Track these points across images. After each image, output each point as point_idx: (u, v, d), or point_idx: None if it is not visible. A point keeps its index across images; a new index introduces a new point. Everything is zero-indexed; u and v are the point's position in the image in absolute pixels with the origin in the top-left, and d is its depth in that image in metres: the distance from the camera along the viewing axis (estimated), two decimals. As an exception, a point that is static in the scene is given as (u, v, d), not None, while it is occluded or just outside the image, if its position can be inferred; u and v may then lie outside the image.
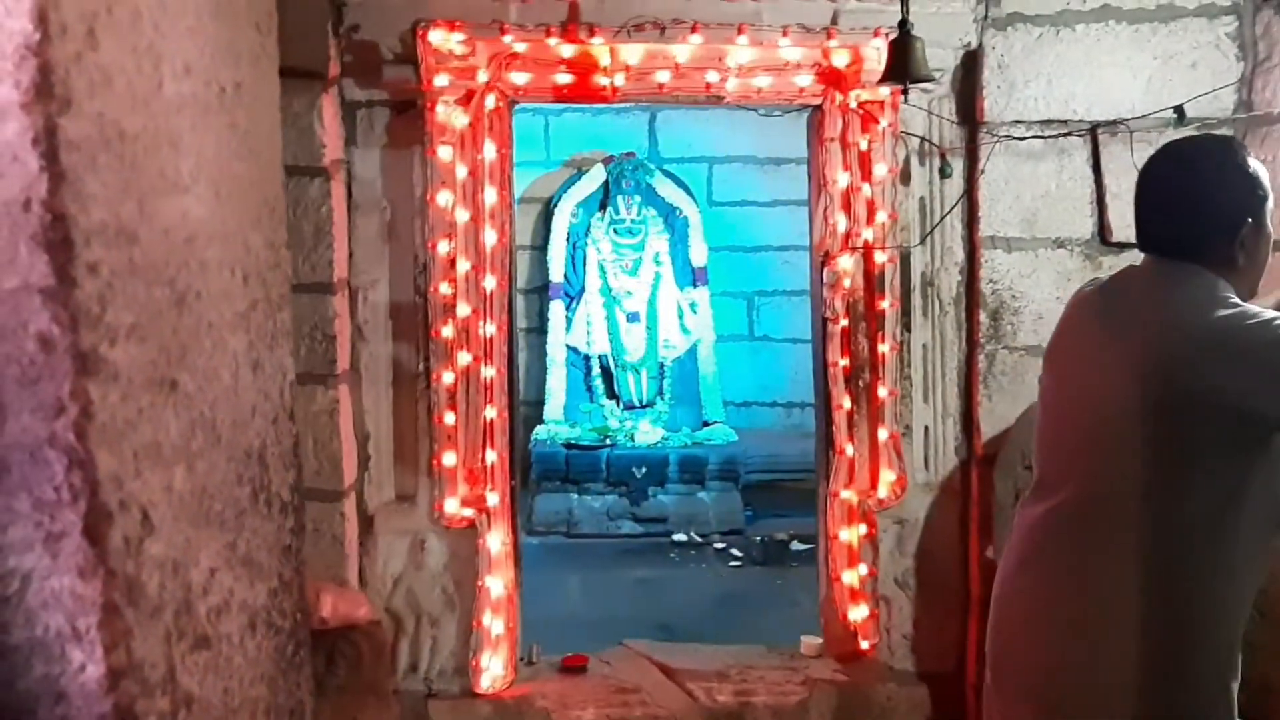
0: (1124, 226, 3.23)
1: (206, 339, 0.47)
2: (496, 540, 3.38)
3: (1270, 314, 1.73)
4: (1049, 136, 3.21)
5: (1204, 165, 1.88)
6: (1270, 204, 1.87)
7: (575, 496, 5.75)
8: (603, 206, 6.30)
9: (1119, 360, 1.82)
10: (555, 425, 6.12)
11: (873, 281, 3.36)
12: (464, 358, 3.31)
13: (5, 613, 0.42)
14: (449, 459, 3.32)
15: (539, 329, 6.48)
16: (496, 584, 3.38)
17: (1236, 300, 1.78)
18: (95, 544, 0.43)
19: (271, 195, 0.58)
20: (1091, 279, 2.12)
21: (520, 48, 3.17)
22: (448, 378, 3.30)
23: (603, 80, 3.26)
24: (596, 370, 6.27)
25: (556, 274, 6.34)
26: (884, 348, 3.36)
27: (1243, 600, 1.80)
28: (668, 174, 6.40)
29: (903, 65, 2.62)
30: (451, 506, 3.33)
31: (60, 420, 0.42)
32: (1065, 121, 3.22)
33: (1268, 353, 1.70)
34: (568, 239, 6.32)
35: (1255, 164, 1.86)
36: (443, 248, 3.26)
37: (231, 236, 0.51)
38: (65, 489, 0.43)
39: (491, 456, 3.37)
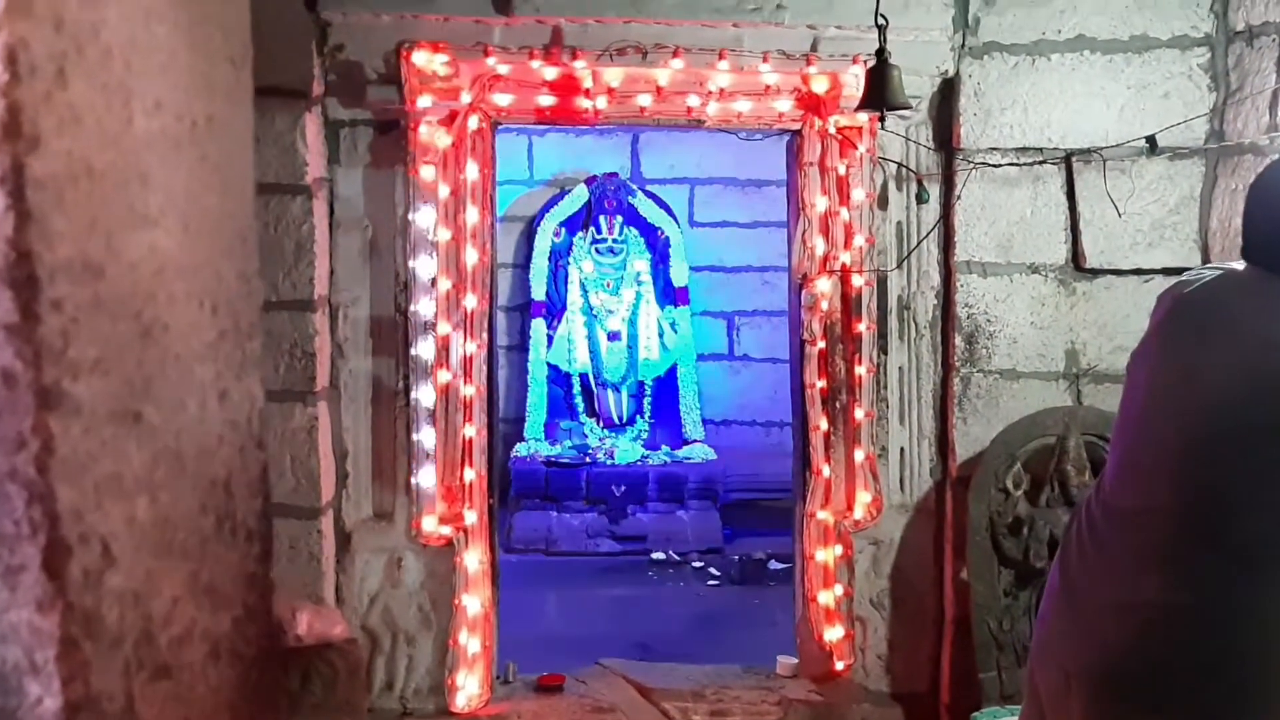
0: (1097, 253, 3.28)
1: (173, 370, 0.49)
2: (474, 559, 3.38)
3: None
4: (1025, 164, 3.26)
5: None
6: None
7: (554, 514, 5.74)
8: (585, 226, 6.32)
9: (1221, 374, 1.76)
10: (535, 442, 6.13)
11: (850, 304, 3.39)
12: (444, 376, 3.32)
13: (-38, 646, 0.43)
14: (427, 477, 3.33)
15: (520, 346, 6.48)
16: (473, 602, 3.38)
17: None
18: (54, 577, 0.44)
19: (243, 225, 0.60)
20: (1180, 280, 2.01)
21: (503, 70, 3.20)
22: (427, 396, 3.31)
23: (585, 103, 3.28)
24: (577, 388, 6.28)
25: (538, 292, 6.36)
26: (861, 370, 3.39)
27: None
28: (650, 194, 6.43)
29: (879, 93, 2.66)
30: (429, 524, 3.33)
31: (21, 455, 0.43)
32: (1040, 149, 3.27)
33: None
34: (550, 257, 6.34)
35: None
36: (424, 266, 3.27)
37: (201, 268, 0.53)
38: (25, 523, 0.44)
39: (470, 475, 3.37)
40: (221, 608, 0.51)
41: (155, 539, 0.49)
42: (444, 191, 3.28)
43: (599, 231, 6.25)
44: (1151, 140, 3.14)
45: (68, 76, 0.44)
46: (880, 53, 2.70)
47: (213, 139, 0.55)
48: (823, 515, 3.44)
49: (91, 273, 0.46)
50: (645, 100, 3.29)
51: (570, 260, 6.31)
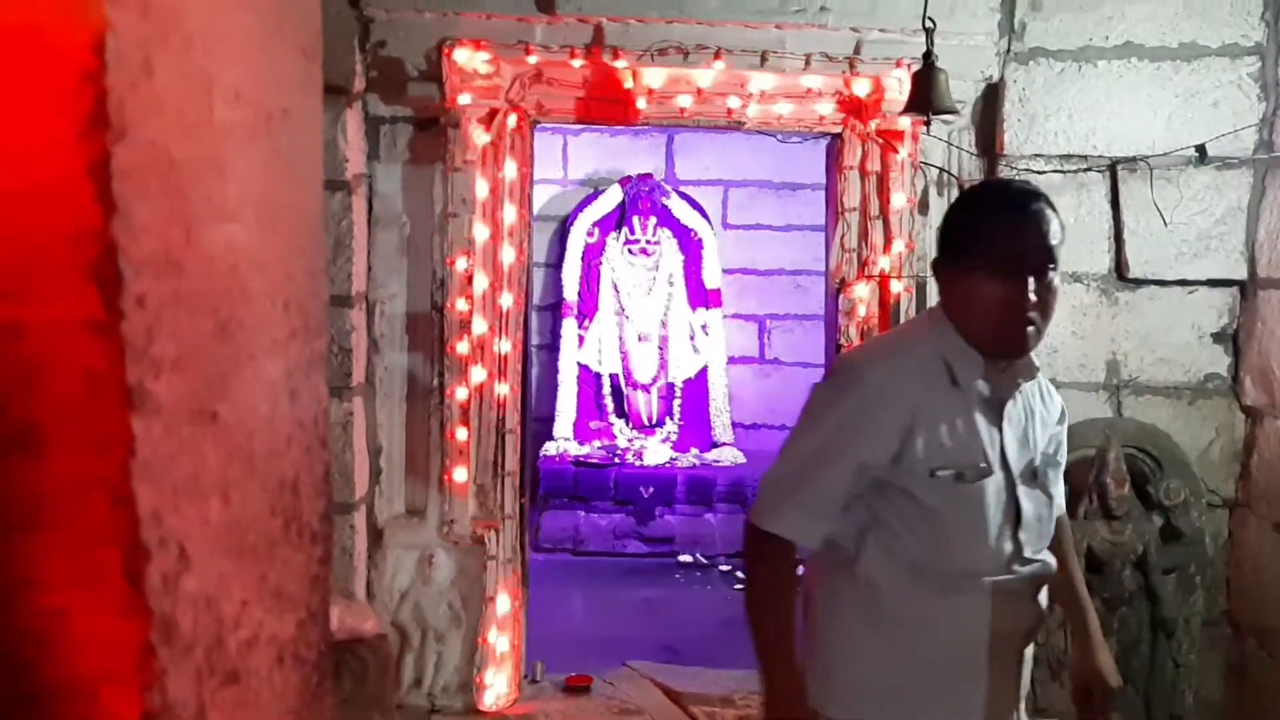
0: (1141, 263, 3.24)
1: (247, 369, 0.48)
2: (505, 557, 3.38)
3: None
4: (1069, 171, 3.22)
5: None
6: None
7: (582, 514, 5.73)
8: (618, 226, 6.31)
9: None
10: (564, 442, 6.12)
11: (888, 310, 3.36)
12: (478, 374, 3.32)
13: (41, 652, 0.42)
14: (460, 475, 3.32)
15: (550, 346, 6.48)
16: (504, 601, 3.38)
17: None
18: (134, 583, 0.43)
19: (314, 222, 0.59)
20: None
21: (544, 68, 3.18)
22: (461, 393, 3.31)
23: (625, 103, 3.27)
24: (607, 388, 6.27)
25: (570, 292, 6.35)
26: (897, 377, 3.35)
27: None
28: (684, 196, 6.41)
29: (926, 96, 2.63)
30: (461, 523, 3.33)
31: (103, 457, 0.42)
32: (1085, 157, 3.22)
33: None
34: (582, 257, 6.33)
35: None
36: (461, 264, 3.27)
37: (273, 264, 0.52)
38: (106, 527, 0.43)
39: (503, 473, 3.37)
40: (287, 611, 0.50)
41: (227, 541, 0.48)
42: (482, 189, 3.27)
43: (632, 232, 6.23)
44: (1202, 150, 3.09)
45: (153, 65, 0.43)
46: (928, 56, 2.67)
47: (286, 132, 0.53)
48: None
49: (172, 267, 0.45)
50: (685, 101, 3.28)
51: (603, 260, 6.29)
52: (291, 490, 0.51)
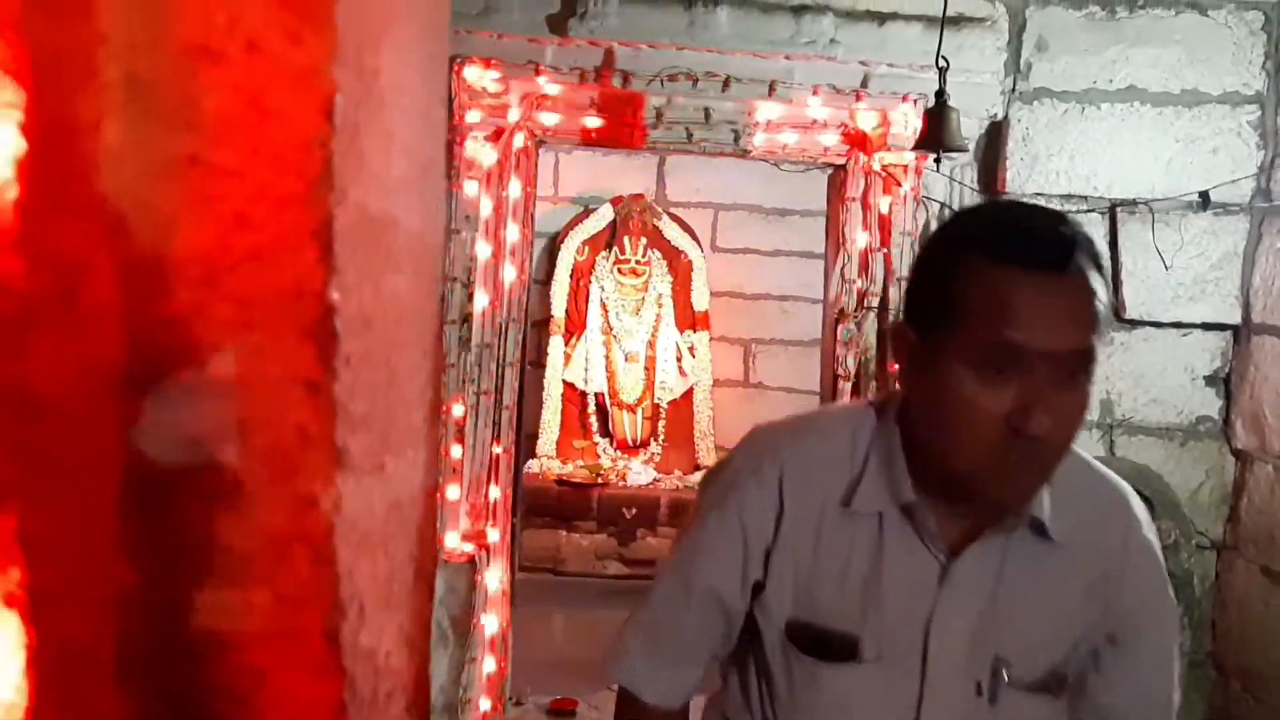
0: (1137, 304, 3.27)
1: (401, 418, 0.48)
2: (494, 577, 3.36)
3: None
4: (1070, 212, 3.25)
5: None
6: None
7: (564, 534, 5.71)
8: (609, 245, 6.32)
9: None
10: (547, 460, 6.10)
11: (886, 341, 3.37)
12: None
13: (239, 711, 0.42)
14: (452, 492, 3.30)
15: (536, 362, 6.47)
16: (492, 622, 3.36)
17: None
18: (331, 642, 0.43)
19: (440, 270, 0.59)
20: None
21: (554, 90, 3.19)
22: (457, 410, 3.29)
23: (632, 128, 3.28)
24: (592, 407, 6.26)
25: (558, 309, 6.34)
26: (893, 408, 3.37)
27: None
28: (674, 217, 6.43)
29: (937, 134, 2.65)
30: (452, 540, 3.31)
31: (309, 515, 0.42)
32: (1085, 197, 3.26)
33: None
34: (572, 275, 6.33)
35: None
36: (462, 281, 3.26)
37: (419, 312, 0.52)
38: (308, 585, 0.42)
39: (495, 493, 3.36)
40: (413, 659, 0.50)
41: (384, 593, 0.48)
42: (486, 208, 3.27)
43: (622, 252, 6.24)
44: (1205, 196, 3.14)
45: (359, 124, 0.43)
46: (940, 94, 2.70)
47: (430, 182, 0.54)
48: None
49: (365, 324, 0.45)
50: (693, 128, 3.29)
51: (592, 279, 6.30)
52: (419, 538, 0.51)
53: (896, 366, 1.24)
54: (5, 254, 0.37)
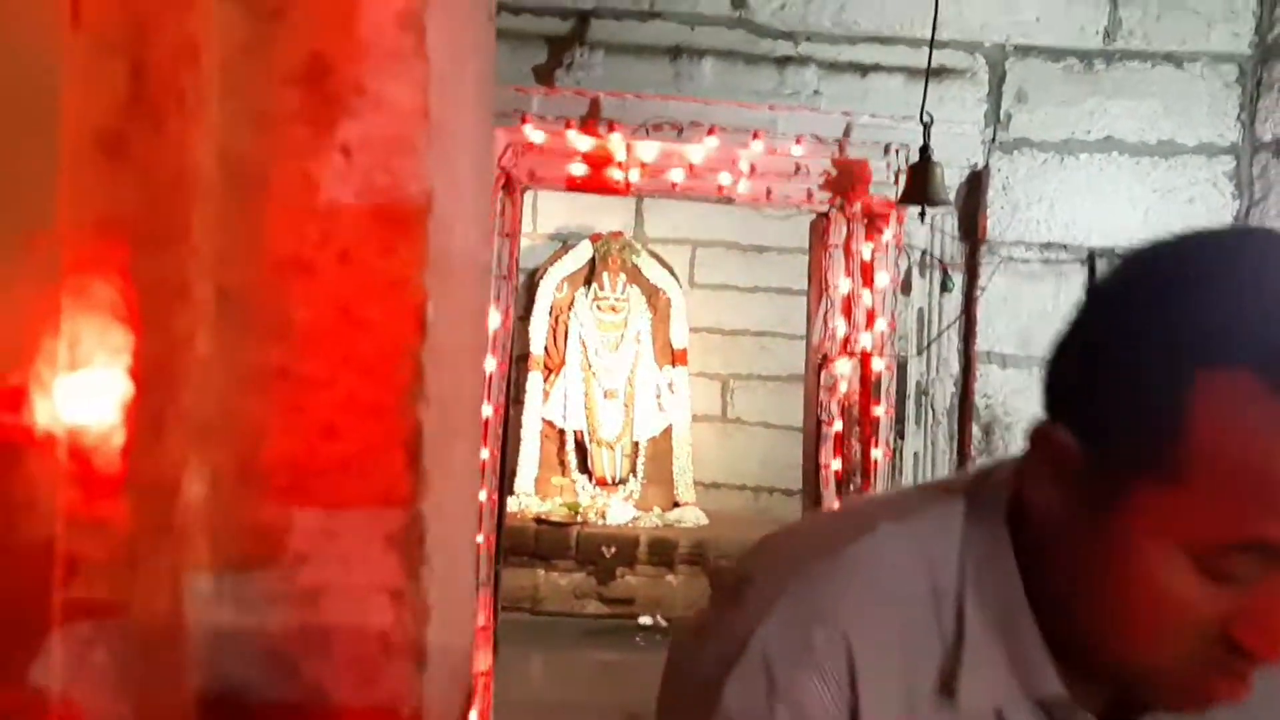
0: (1117, 351, 3.30)
1: (457, 596, 0.48)
2: (478, 624, 3.33)
3: None
4: (1050, 261, 3.29)
5: None
6: None
7: (542, 572, 5.68)
8: (588, 282, 6.32)
9: None
10: (525, 497, 6.07)
11: (869, 387, 3.39)
12: (458, 439, 3.29)
13: None
14: (436, 540, 3.29)
15: (515, 399, 6.46)
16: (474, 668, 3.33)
17: None
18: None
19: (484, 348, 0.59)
20: None
21: (539, 137, 3.20)
22: (440, 458, 3.28)
23: (617, 174, 3.29)
24: (571, 445, 6.24)
25: (537, 346, 6.34)
26: (877, 453, 3.38)
27: None
28: (652, 254, 6.45)
29: (922, 188, 2.69)
30: (435, 589, 3.29)
31: (390, 718, 0.42)
32: (1065, 246, 3.30)
33: None
34: (550, 312, 6.33)
35: None
36: (446, 328, 3.25)
37: (470, 431, 0.52)
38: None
39: (479, 538, 3.34)
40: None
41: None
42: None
43: (601, 289, 6.25)
44: (1182, 247, 3.19)
45: (437, 320, 0.43)
46: (924, 149, 2.73)
47: (480, 279, 0.54)
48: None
49: (440, 513, 0.45)
50: (678, 176, 3.31)
51: (571, 316, 6.30)
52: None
53: (1030, 474, 0.78)
54: (112, 499, 0.37)
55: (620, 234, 6.37)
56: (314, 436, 0.40)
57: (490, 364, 3.34)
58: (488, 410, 3.35)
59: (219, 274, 0.39)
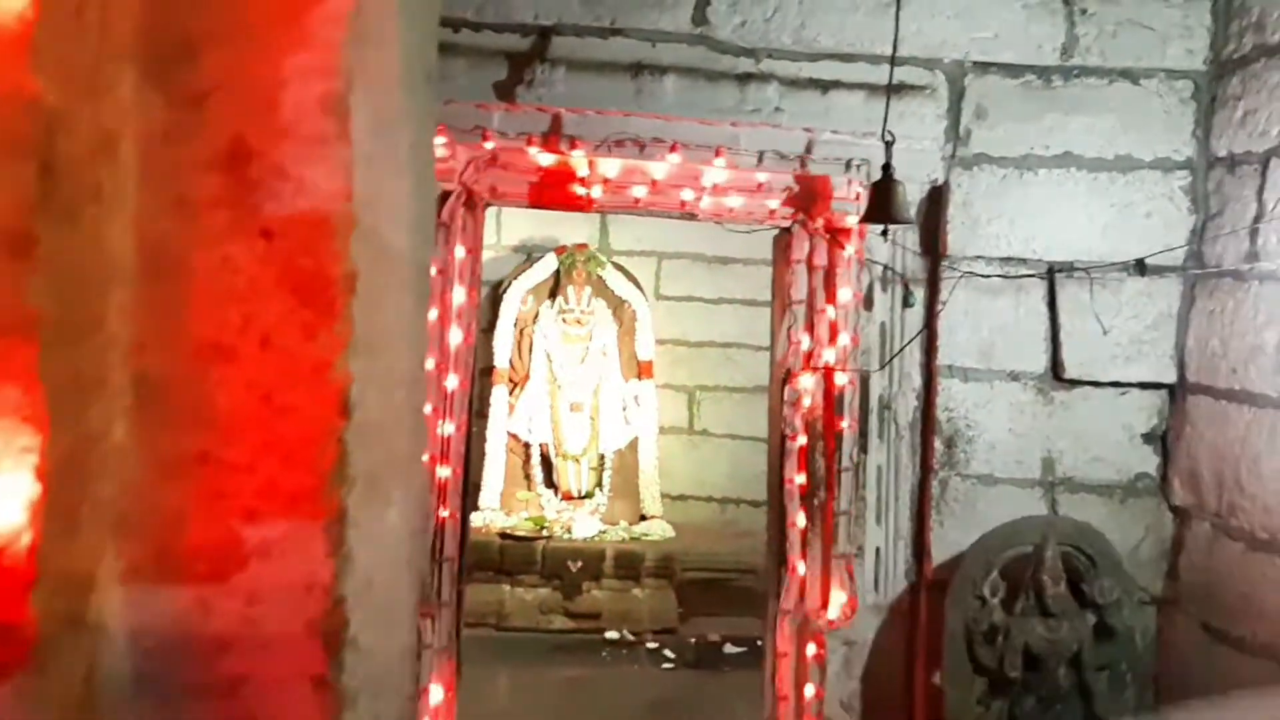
0: (1076, 364, 3.33)
1: (392, 690, 0.47)
2: (440, 645, 3.31)
3: None
4: (1010, 276, 3.31)
5: None
6: None
7: (507, 588, 5.65)
8: (552, 295, 6.31)
9: None
10: (490, 512, 6.04)
11: (832, 402, 3.40)
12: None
13: None
14: (399, 560, 3.26)
15: (479, 413, 6.43)
16: (437, 691, 3.30)
17: None
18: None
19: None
20: None
21: (500, 153, 3.19)
22: (403, 477, 3.25)
23: (579, 190, 3.29)
24: (536, 458, 6.22)
25: (501, 359, 6.31)
26: (840, 468, 3.39)
27: None
28: (618, 266, 6.45)
29: (884, 207, 2.70)
30: (398, 609, 3.26)
31: None
32: (1025, 260, 3.33)
33: None
34: (515, 325, 6.31)
35: None
36: (408, 346, 3.23)
37: (399, 501, 0.51)
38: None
39: (442, 559, 3.31)
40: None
41: None
42: (431, 270, 3.25)
43: (567, 302, 6.24)
44: (1141, 264, 3.22)
45: (363, 395, 0.42)
46: (886, 168, 2.74)
47: (418, 341, 0.53)
48: (796, 612, 3.42)
49: (368, 587, 0.44)
50: (640, 192, 3.31)
51: (536, 328, 6.28)
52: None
53: None
54: (16, 603, 0.36)
55: (585, 246, 6.36)
56: (235, 523, 0.39)
57: (452, 381, 3.32)
58: (450, 428, 3.33)
59: (138, 362, 0.38)
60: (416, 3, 0.54)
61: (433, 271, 3.15)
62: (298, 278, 0.41)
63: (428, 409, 3.26)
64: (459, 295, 3.31)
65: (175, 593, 0.39)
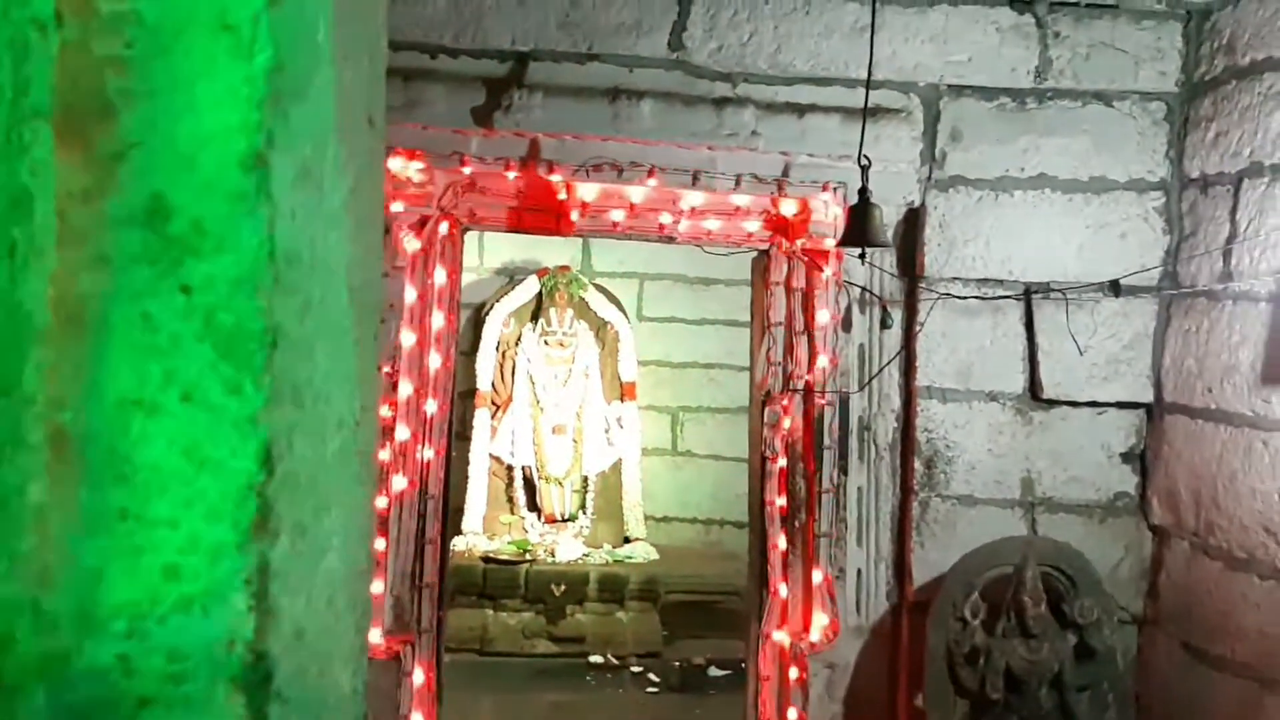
0: (1054, 384, 3.35)
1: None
2: (420, 673, 3.29)
3: None
4: (987, 297, 3.33)
5: None
6: None
7: (490, 612, 5.61)
8: (535, 317, 6.31)
9: None
10: (473, 536, 6.01)
11: (812, 424, 3.40)
12: (399, 482, 3.25)
13: None
14: (376, 587, 3.24)
15: (461, 435, 6.40)
16: (418, 718, 3.28)
17: None
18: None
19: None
20: None
21: (479, 178, 3.19)
22: (380, 502, 3.24)
23: (558, 215, 3.29)
24: (519, 481, 6.19)
25: (484, 381, 6.29)
26: (821, 489, 3.39)
27: None
28: (600, 288, 6.45)
29: (861, 230, 2.71)
30: (375, 637, 3.23)
31: None
32: (1001, 281, 3.34)
33: None
34: (497, 347, 6.30)
35: None
36: (385, 370, 3.22)
37: (336, 548, 0.51)
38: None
39: (421, 585, 3.29)
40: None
41: None
42: (410, 295, 3.24)
43: (549, 324, 6.23)
44: (1116, 284, 3.24)
45: (293, 445, 0.42)
46: (863, 192, 2.75)
47: (366, 372, 0.53)
48: (779, 636, 3.41)
49: (291, 648, 0.43)
50: (619, 216, 3.31)
51: (518, 351, 6.27)
52: None
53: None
54: None
55: (567, 268, 6.36)
56: (156, 580, 0.39)
57: (431, 406, 3.31)
58: (429, 453, 3.32)
59: (56, 419, 0.38)
60: (356, 47, 0.54)
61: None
62: (219, 333, 0.41)
63: (405, 435, 3.25)
64: (438, 320, 3.31)
65: (96, 650, 0.39)
